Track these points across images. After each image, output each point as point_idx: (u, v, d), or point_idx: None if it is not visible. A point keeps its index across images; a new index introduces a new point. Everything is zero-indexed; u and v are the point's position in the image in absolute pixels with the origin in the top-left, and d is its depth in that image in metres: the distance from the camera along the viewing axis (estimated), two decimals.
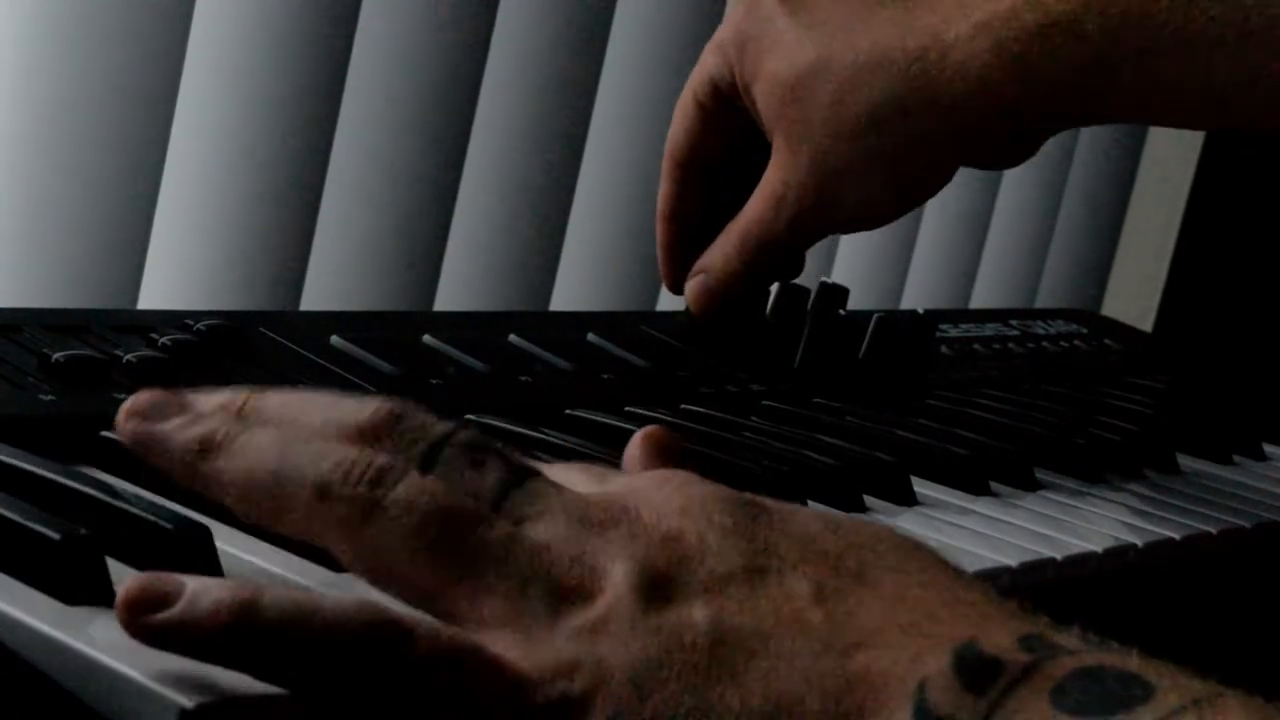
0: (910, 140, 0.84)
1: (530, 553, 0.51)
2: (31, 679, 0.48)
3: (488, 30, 1.19)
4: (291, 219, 1.09)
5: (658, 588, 0.51)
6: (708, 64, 0.89)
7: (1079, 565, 0.77)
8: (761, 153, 0.89)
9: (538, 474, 0.54)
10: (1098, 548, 0.78)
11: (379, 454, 0.52)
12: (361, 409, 0.54)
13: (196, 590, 0.48)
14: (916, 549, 0.53)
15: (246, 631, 0.48)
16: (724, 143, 0.90)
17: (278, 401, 0.54)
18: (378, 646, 0.48)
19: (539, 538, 0.52)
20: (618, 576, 0.51)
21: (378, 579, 0.52)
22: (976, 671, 0.47)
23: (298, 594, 0.49)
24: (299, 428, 0.53)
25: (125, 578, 0.53)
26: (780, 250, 0.89)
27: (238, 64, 1.05)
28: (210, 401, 0.54)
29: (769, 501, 0.54)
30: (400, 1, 1.14)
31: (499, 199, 1.25)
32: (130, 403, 0.54)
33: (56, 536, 0.52)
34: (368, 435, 0.53)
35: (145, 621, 0.48)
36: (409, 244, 1.17)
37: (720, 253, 0.90)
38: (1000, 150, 0.87)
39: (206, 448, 0.53)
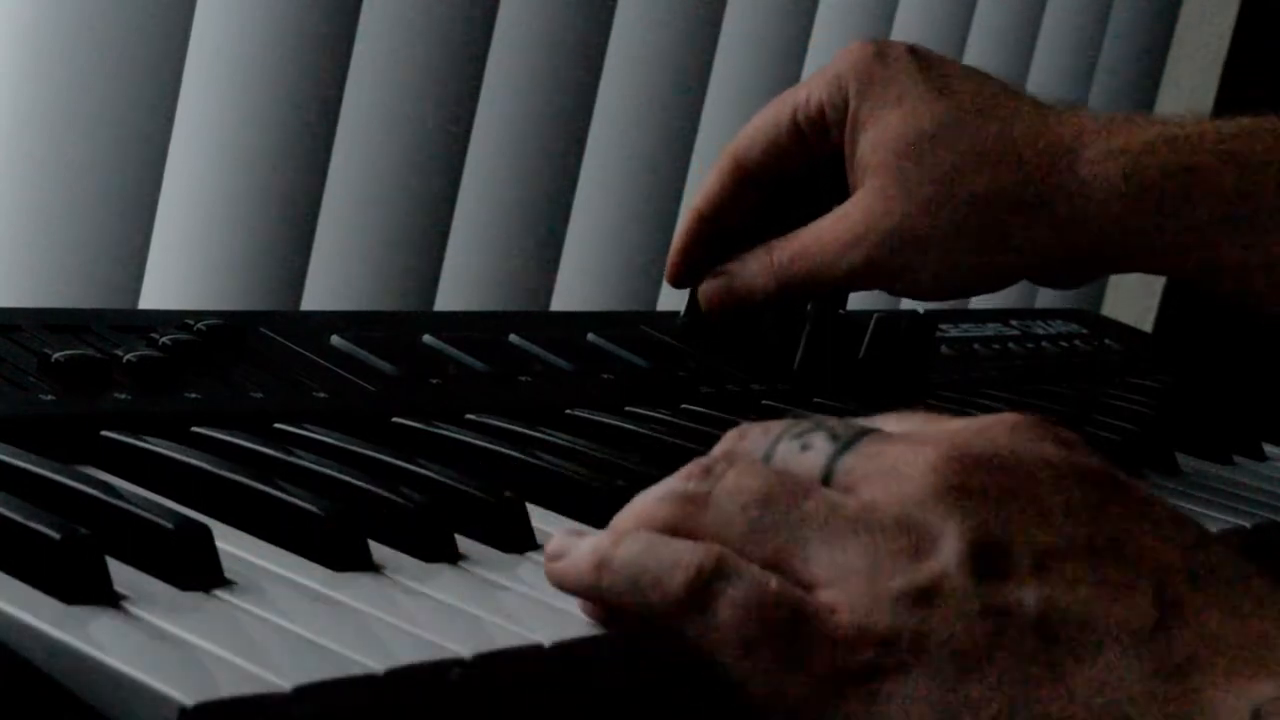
0: (1011, 238, 0.85)
1: (855, 517, 0.52)
2: (31, 679, 0.48)
3: (487, 30, 1.19)
4: (291, 219, 1.09)
5: (989, 560, 0.50)
6: (820, 90, 0.88)
7: None
8: (825, 187, 0.89)
9: (865, 432, 0.55)
10: None
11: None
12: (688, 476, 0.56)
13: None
14: (1247, 563, 0.52)
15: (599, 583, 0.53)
16: (801, 166, 0.90)
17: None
18: (697, 593, 0.51)
19: (867, 500, 0.53)
20: (949, 545, 0.50)
21: None
22: None
23: (643, 544, 0.53)
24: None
25: (125, 578, 0.53)
26: (823, 286, 0.89)
27: (238, 65, 1.05)
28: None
29: (1125, 479, 0.53)
30: (400, 1, 1.14)
31: (499, 199, 1.25)
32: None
33: (56, 536, 0.52)
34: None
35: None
36: (409, 244, 1.17)
37: (761, 267, 0.90)
38: (1082, 272, 0.88)
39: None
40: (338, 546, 0.59)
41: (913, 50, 0.88)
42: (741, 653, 0.51)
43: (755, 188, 0.90)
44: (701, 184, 0.92)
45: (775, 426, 0.57)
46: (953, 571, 0.50)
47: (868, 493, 0.53)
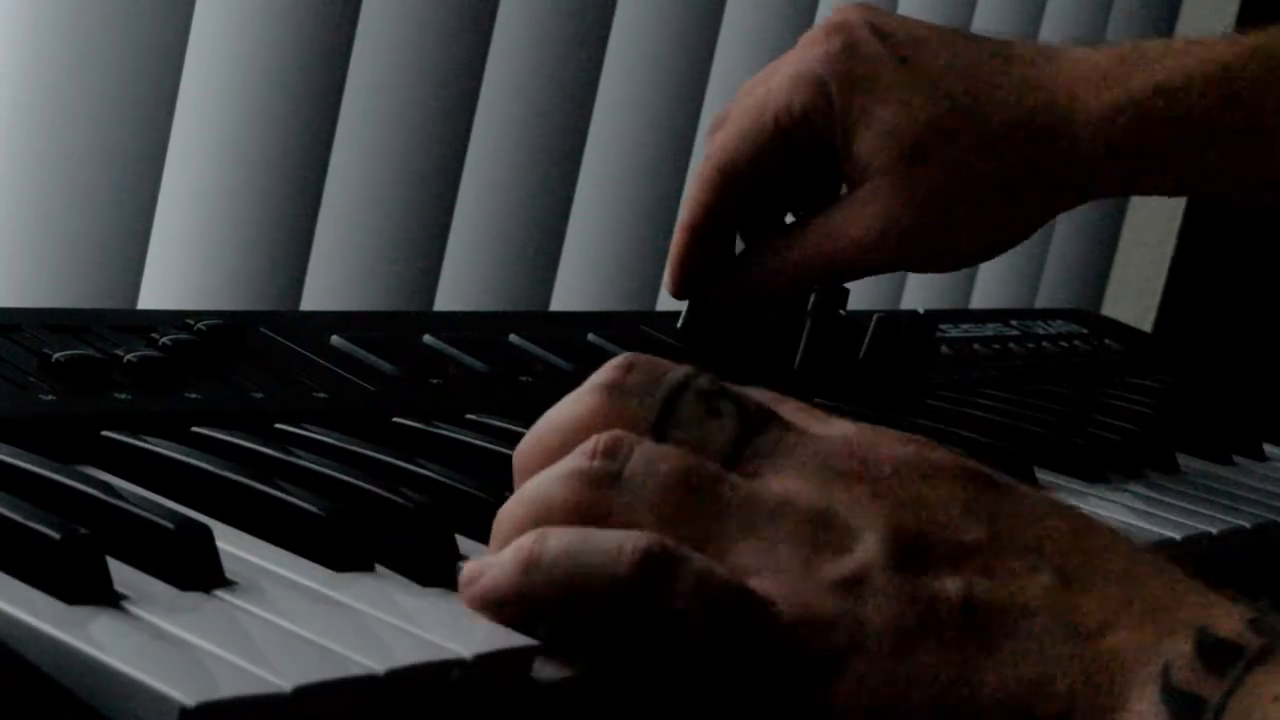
0: (1025, 209, 0.87)
1: (774, 507, 0.54)
2: (31, 679, 0.48)
3: (488, 30, 1.19)
4: (291, 219, 1.09)
5: (910, 553, 0.53)
6: (800, 93, 0.88)
7: None
8: (816, 183, 0.89)
9: (774, 417, 0.56)
10: None
11: (610, 426, 0.55)
12: (580, 400, 0.57)
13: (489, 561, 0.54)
14: (1121, 535, 0.56)
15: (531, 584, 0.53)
16: (789, 171, 0.90)
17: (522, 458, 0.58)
18: (650, 580, 0.51)
19: (781, 491, 0.54)
20: (869, 537, 0.53)
21: None
22: (1217, 653, 0.51)
23: (573, 536, 0.53)
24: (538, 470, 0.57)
25: (125, 578, 0.53)
26: (837, 281, 0.90)
27: (238, 64, 1.05)
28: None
29: (1000, 476, 0.57)
30: (400, 1, 1.14)
31: (499, 199, 1.25)
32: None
33: (56, 536, 0.52)
34: (601, 408, 0.56)
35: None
36: (409, 244, 1.17)
37: (772, 264, 0.90)
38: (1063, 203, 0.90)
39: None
40: (338, 546, 0.59)
41: (877, 31, 0.87)
42: (697, 638, 0.52)
43: (745, 195, 0.90)
44: (688, 198, 0.91)
45: (669, 373, 0.57)
46: (877, 563, 0.53)
47: (779, 483, 0.54)
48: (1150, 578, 0.54)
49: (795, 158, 0.89)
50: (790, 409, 0.59)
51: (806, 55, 0.88)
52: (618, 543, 0.52)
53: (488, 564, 0.55)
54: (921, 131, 0.85)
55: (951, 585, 0.53)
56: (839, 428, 0.58)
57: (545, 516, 0.56)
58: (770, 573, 0.53)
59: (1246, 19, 0.89)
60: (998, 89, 0.86)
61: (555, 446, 0.57)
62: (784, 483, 0.54)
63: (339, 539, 0.59)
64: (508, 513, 0.57)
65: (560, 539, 0.54)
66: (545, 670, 0.54)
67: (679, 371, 0.57)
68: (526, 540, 0.54)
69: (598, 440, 0.55)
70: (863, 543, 0.53)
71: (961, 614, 0.52)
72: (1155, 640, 0.52)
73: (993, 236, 0.89)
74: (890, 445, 0.56)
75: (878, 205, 0.87)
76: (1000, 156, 0.85)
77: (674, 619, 0.52)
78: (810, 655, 0.52)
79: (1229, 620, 0.52)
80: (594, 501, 0.55)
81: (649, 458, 0.55)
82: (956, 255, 0.89)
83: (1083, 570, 0.54)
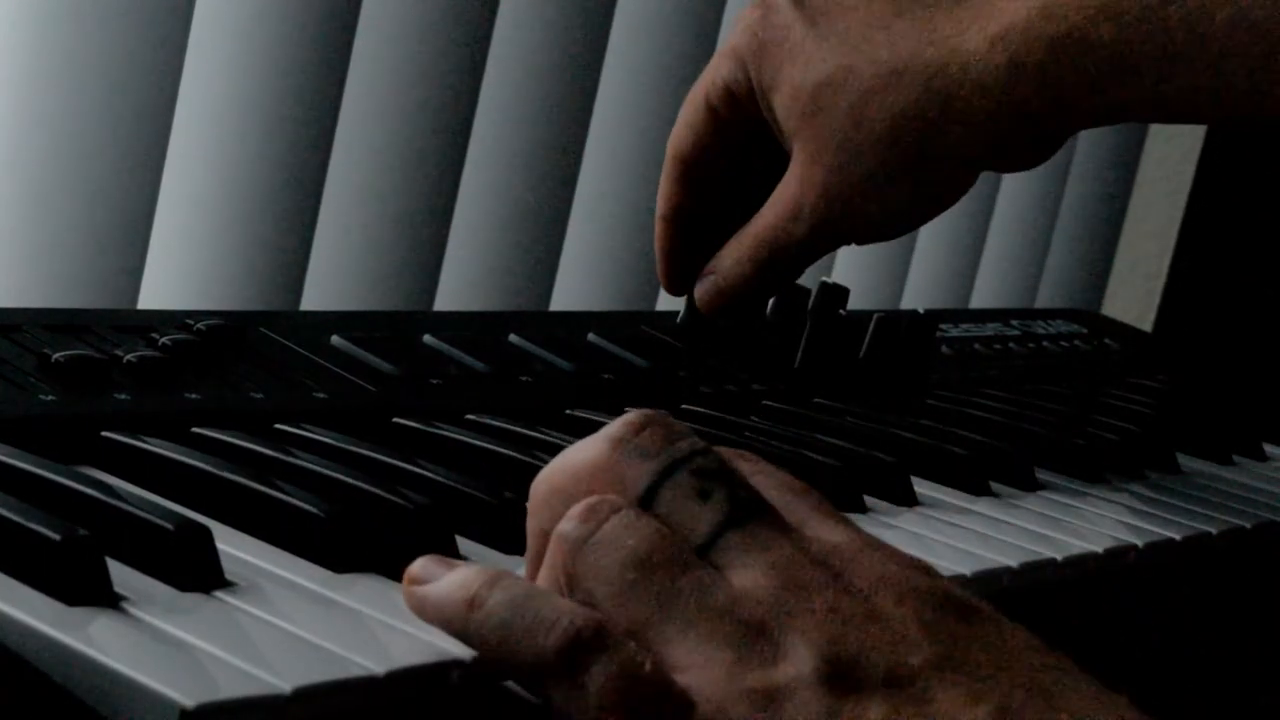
0: (932, 152, 0.84)
1: (722, 604, 0.53)
2: (31, 679, 0.48)
3: (488, 30, 1.19)
4: (291, 219, 1.09)
5: (841, 673, 0.52)
6: (722, 68, 0.89)
7: (1079, 565, 0.77)
8: (769, 158, 0.89)
9: (763, 515, 0.55)
10: (1098, 548, 0.78)
11: (604, 487, 0.56)
12: (591, 447, 0.57)
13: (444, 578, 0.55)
14: (1089, 677, 0.53)
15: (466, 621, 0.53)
16: (733, 147, 0.89)
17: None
18: (571, 661, 0.51)
19: (738, 588, 0.53)
20: (804, 652, 0.52)
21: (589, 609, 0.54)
22: None
23: (518, 593, 0.53)
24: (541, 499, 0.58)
25: (125, 578, 0.53)
26: (795, 258, 0.89)
27: (238, 64, 1.05)
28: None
29: (989, 609, 0.55)
30: (400, 2, 1.14)
31: (499, 199, 1.25)
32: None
33: (56, 537, 0.52)
34: (603, 461, 0.56)
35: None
36: (409, 244, 1.17)
37: (733, 257, 0.89)
38: (1020, 155, 0.87)
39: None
40: (338, 547, 0.59)
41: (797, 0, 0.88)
42: None
43: (704, 180, 0.90)
44: (659, 190, 0.92)
45: (677, 444, 0.57)
46: (806, 676, 0.51)
47: (739, 580, 0.53)
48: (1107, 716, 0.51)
49: (739, 135, 0.89)
50: (797, 505, 0.58)
51: (733, 32, 0.89)
52: (556, 614, 0.52)
53: (436, 576, 0.55)
54: (816, 86, 0.84)
55: (875, 713, 0.51)
56: (835, 534, 0.56)
57: (530, 566, 0.57)
58: (700, 670, 0.52)
59: None
60: (895, 36, 0.84)
61: (559, 487, 0.58)
62: (744, 580, 0.53)
63: (339, 539, 0.59)
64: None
65: (506, 592, 0.53)
66: None
67: (684, 445, 0.57)
68: (477, 579, 0.54)
69: (583, 503, 0.55)
70: (795, 656, 0.52)
71: None
72: None
73: (912, 190, 0.85)
74: (875, 564, 0.55)
75: (794, 170, 0.86)
76: (891, 98, 0.83)
77: (587, 704, 0.51)
78: None
79: None
80: (564, 563, 0.55)
81: (620, 530, 0.54)
82: (883, 213, 0.86)
83: (1035, 707, 0.51)
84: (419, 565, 0.56)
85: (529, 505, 0.59)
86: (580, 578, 0.54)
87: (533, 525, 0.58)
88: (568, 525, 0.55)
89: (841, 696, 0.51)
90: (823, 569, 0.54)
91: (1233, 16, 0.79)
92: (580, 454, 0.57)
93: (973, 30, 0.83)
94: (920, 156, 0.84)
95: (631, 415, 0.57)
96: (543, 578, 0.56)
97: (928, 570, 0.55)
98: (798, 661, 0.52)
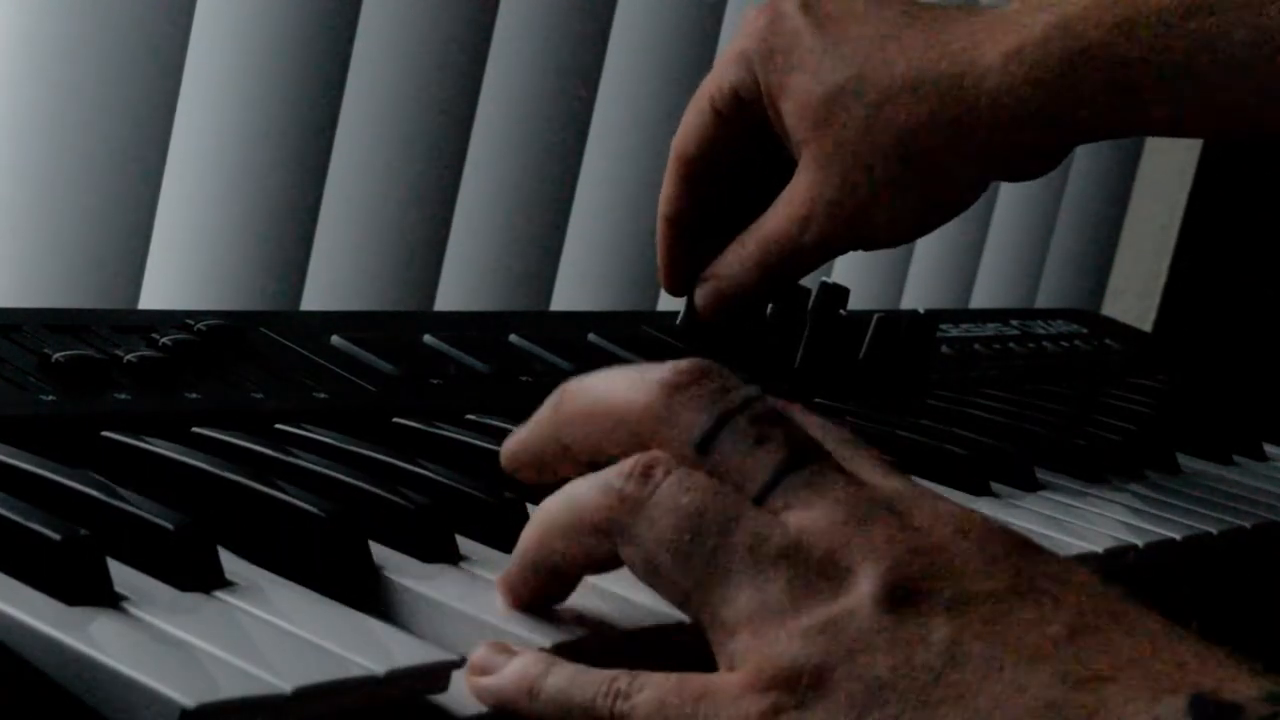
0: (943, 163, 0.84)
1: (783, 541, 0.53)
2: (31, 679, 0.48)
3: (488, 30, 1.19)
4: (291, 219, 1.09)
5: (904, 595, 0.52)
6: (729, 72, 0.88)
7: None
8: (773, 162, 0.89)
9: (822, 458, 0.55)
10: (1098, 548, 0.78)
11: (655, 443, 0.55)
12: (641, 388, 0.56)
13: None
14: (1149, 612, 0.53)
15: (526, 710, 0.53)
16: (737, 150, 0.89)
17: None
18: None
19: (798, 526, 0.53)
20: (865, 576, 0.52)
21: (647, 577, 0.54)
22: (1212, 715, 0.49)
23: (567, 676, 0.53)
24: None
25: (125, 578, 0.53)
26: (799, 264, 0.89)
27: (238, 64, 1.05)
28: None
29: (1042, 546, 0.55)
30: (400, 2, 1.14)
31: (499, 199, 1.25)
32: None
33: (56, 537, 0.52)
34: (657, 407, 0.56)
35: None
36: (409, 244, 1.17)
37: (737, 260, 0.89)
38: (1030, 166, 0.87)
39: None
40: (337, 548, 0.59)
41: (804, 4, 0.87)
42: None
43: (707, 182, 0.90)
44: (661, 191, 0.92)
45: (732, 393, 0.56)
46: (866, 600, 0.51)
47: (797, 520, 0.53)
48: (1182, 644, 0.52)
49: (745, 139, 0.89)
50: (854, 454, 0.57)
51: (740, 35, 0.89)
52: (599, 684, 0.53)
53: (498, 663, 0.55)
54: (827, 93, 0.85)
55: (939, 631, 0.51)
56: (892, 482, 0.56)
57: (575, 524, 0.56)
58: (755, 621, 0.52)
59: None
60: (908, 47, 0.85)
61: (597, 416, 0.57)
62: (802, 519, 0.53)
63: (339, 540, 0.59)
64: (546, 508, 0.57)
65: (559, 676, 0.54)
66: None
67: (741, 393, 0.56)
68: (532, 668, 0.54)
69: (636, 461, 0.55)
70: (857, 582, 0.52)
71: (940, 662, 0.51)
72: (1150, 696, 0.50)
73: (921, 200, 0.86)
74: (936, 505, 0.55)
75: (803, 177, 0.86)
76: (906, 109, 0.84)
77: None
78: (765, 714, 0.51)
79: (1243, 686, 0.50)
80: (612, 520, 0.55)
81: (675, 489, 0.54)
82: (891, 222, 0.86)
83: (1104, 623, 0.52)
84: (481, 656, 0.55)
85: (563, 410, 0.58)
86: (638, 538, 0.54)
87: (549, 431, 0.58)
88: (621, 483, 0.55)
89: (902, 618, 0.51)
90: (883, 509, 0.54)
91: (1250, 35, 0.79)
92: (626, 393, 0.57)
93: (987, 44, 0.83)
94: (931, 168, 0.84)
95: (683, 363, 0.57)
96: (580, 496, 0.56)
97: (989, 519, 0.55)
98: (860, 586, 0.52)
